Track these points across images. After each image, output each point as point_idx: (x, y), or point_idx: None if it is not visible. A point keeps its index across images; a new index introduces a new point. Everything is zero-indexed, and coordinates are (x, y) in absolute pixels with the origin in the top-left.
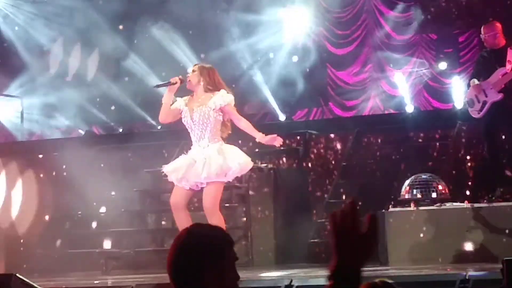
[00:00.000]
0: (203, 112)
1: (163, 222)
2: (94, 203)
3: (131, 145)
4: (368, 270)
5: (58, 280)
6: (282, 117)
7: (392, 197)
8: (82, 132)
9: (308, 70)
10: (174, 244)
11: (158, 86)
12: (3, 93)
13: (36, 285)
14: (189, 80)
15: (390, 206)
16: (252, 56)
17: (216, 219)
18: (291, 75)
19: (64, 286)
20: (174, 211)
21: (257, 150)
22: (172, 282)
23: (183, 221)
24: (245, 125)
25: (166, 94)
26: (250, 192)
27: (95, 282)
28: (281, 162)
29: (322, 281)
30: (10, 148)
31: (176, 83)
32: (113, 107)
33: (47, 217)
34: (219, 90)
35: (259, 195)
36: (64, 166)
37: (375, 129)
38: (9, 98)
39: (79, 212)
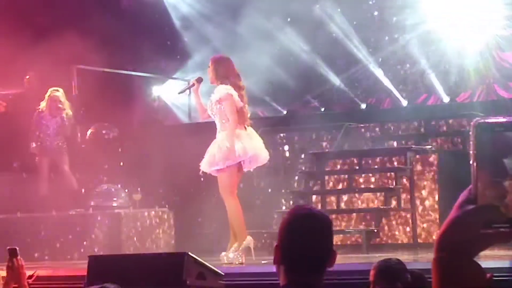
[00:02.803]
0: (209, 104)
1: (327, 203)
2: (254, 186)
3: (295, 127)
4: None
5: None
6: (446, 99)
7: None
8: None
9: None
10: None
11: (181, 91)
12: (172, 77)
13: (207, 264)
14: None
15: None
16: (424, 46)
17: (229, 204)
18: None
19: (232, 266)
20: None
21: (422, 130)
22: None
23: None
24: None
25: (192, 95)
26: (414, 176)
27: (263, 262)
28: (446, 145)
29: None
30: (179, 129)
31: (194, 84)
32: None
33: None
34: (222, 83)
35: (422, 178)
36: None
37: None
38: (177, 82)
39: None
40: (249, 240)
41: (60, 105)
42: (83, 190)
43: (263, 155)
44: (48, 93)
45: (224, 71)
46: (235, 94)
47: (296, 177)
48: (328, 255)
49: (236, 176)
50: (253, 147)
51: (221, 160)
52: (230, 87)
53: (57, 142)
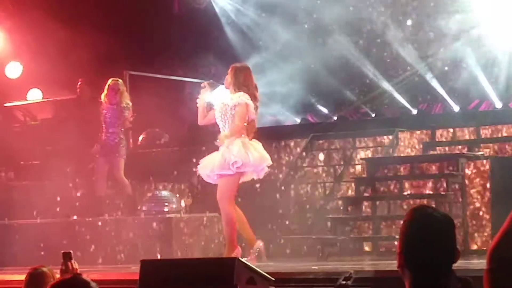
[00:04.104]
0: (223, 109)
1: (378, 210)
2: (307, 190)
3: (345, 133)
4: None
5: (274, 265)
6: (498, 104)
7: None
8: (298, 120)
9: None
10: None
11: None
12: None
13: (257, 269)
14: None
15: None
16: (475, 51)
17: (223, 212)
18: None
19: (282, 271)
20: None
21: (474, 136)
22: None
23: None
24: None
25: (200, 97)
26: (466, 181)
27: (313, 267)
28: (499, 151)
29: None
30: None
31: (204, 87)
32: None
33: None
34: (239, 91)
35: (474, 185)
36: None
37: None
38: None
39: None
40: (237, 251)
41: (117, 93)
42: (135, 196)
43: (265, 167)
44: (108, 83)
45: (243, 79)
46: (251, 105)
47: (345, 183)
48: (454, 255)
49: (236, 184)
50: (258, 158)
51: (225, 166)
52: (248, 97)
53: (115, 138)
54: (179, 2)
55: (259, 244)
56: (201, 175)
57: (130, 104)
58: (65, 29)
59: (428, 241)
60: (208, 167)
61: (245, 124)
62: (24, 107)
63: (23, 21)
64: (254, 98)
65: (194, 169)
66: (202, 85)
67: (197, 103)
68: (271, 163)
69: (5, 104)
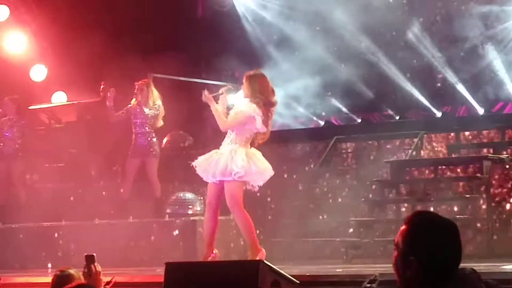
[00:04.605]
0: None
1: (402, 212)
2: (329, 194)
3: (369, 135)
4: None
5: (299, 268)
6: None
7: None
8: (322, 123)
9: None
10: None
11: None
12: None
13: (282, 272)
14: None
15: None
16: (500, 53)
17: (238, 217)
18: None
19: (306, 273)
20: (206, 208)
21: (499, 139)
22: None
23: (207, 219)
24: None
25: (218, 103)
26: (491, 185)
27: (337, 270)
28: None
29: None
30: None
31: (222, 93)
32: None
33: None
34: (256, 99)
35: (499, 187)
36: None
37: None
38: None
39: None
40: (261, 254)
41: (145, 94)
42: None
43: (267, 175)
44: (137, 84)
45: (258, 87)
46: (259, 119)
47: (369, 185)
48: (460, 259)
49: (242, 188)
50: (262, 169)
51: (226, 175)
52: (259, 111)
53: (146, 137)
54: (202, 5)
55: (262, 253)
56: (199, 173)
57: (160, 104)
58: (89, 31)
59: (452, 249)
60: (209, 171)
61: (248, 135)
62: (49, 110)
63: (47, 24)
64: (270, 104)
65: None
66: (220, 91)
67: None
68: (273, 173)
69: (30, 107)
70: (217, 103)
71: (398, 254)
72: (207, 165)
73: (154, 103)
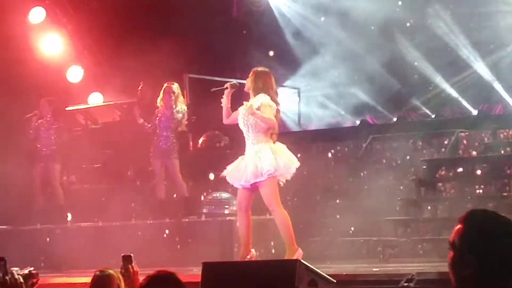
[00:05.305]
0: (245, 115)
1: (438, 212)
2: (365, 193)
3: (405, 134)
4: None
5: (335, 267)
6: None
7: None
8: (357, 122)
9: None
10: None
11: (214, 90)
12: (282, 85)
13: (319, 271)
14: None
15: None
16: None
17: (276, 216)
18: None
19: (343, 273)
20: (237, 210)
21: None
22: None
23: (241, 221)
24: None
25: (224, 98)
26: None
27: (374, 269)
28: None
29: None
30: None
31: (227, 88)
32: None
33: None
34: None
35: None
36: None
37: None
38: (288, 90)
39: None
40: (299, 253)
41: (172, 97)
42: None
43: (293, 169)
44: (163, 87)
45: (263, 84)
46: (273, 106)
47: (405, 184)
48: None
49: (276, 186)
50: (288, 162)
51: (258, 175)
52: (269, 98)
53: (166, 141)
54: (237, 5)
55: (299, 253)
56: (230, 182)
57: (185, 108)
58: (125, 33)
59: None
60: (241, 178)
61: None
62: (85, 111)
63: (83, 26)
64: (274, 103)
65: None
66: (225, 86)
67: (221, 103)
68: (299, 164)
69: (67, 108)
70: (222, 98)
71: (455, 254)
72: (237, 173)
73: (181, 107)
